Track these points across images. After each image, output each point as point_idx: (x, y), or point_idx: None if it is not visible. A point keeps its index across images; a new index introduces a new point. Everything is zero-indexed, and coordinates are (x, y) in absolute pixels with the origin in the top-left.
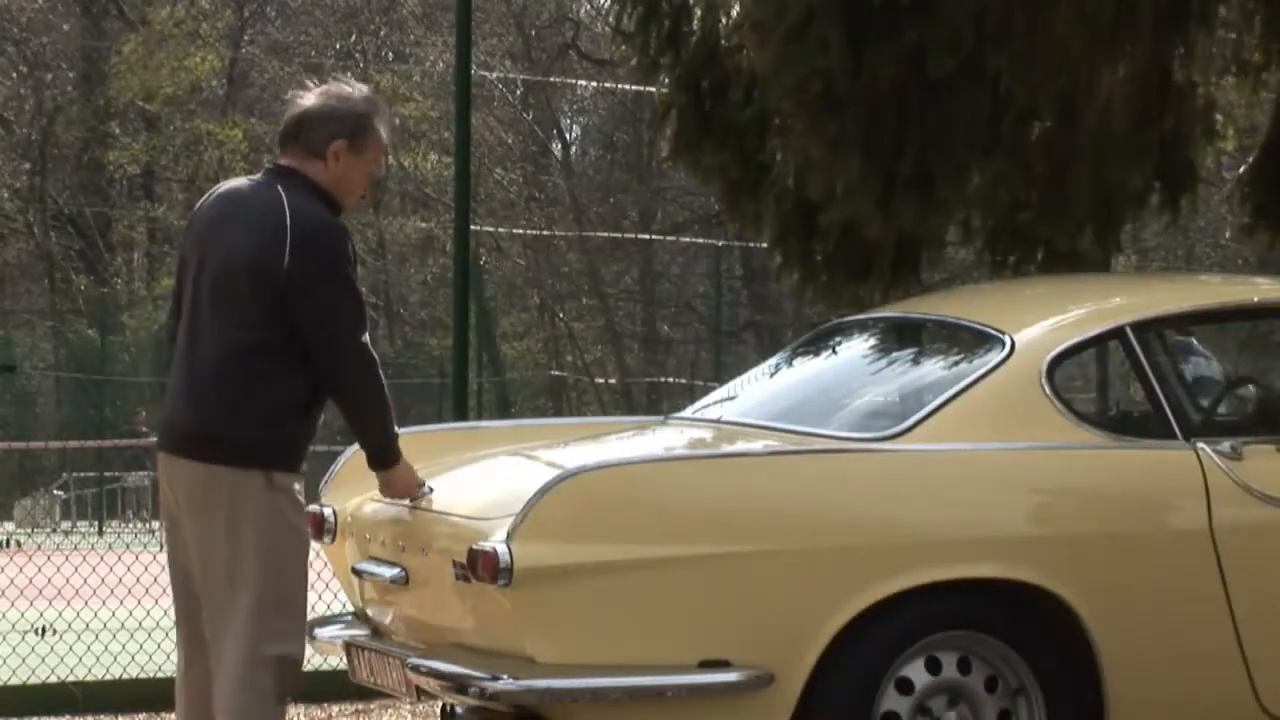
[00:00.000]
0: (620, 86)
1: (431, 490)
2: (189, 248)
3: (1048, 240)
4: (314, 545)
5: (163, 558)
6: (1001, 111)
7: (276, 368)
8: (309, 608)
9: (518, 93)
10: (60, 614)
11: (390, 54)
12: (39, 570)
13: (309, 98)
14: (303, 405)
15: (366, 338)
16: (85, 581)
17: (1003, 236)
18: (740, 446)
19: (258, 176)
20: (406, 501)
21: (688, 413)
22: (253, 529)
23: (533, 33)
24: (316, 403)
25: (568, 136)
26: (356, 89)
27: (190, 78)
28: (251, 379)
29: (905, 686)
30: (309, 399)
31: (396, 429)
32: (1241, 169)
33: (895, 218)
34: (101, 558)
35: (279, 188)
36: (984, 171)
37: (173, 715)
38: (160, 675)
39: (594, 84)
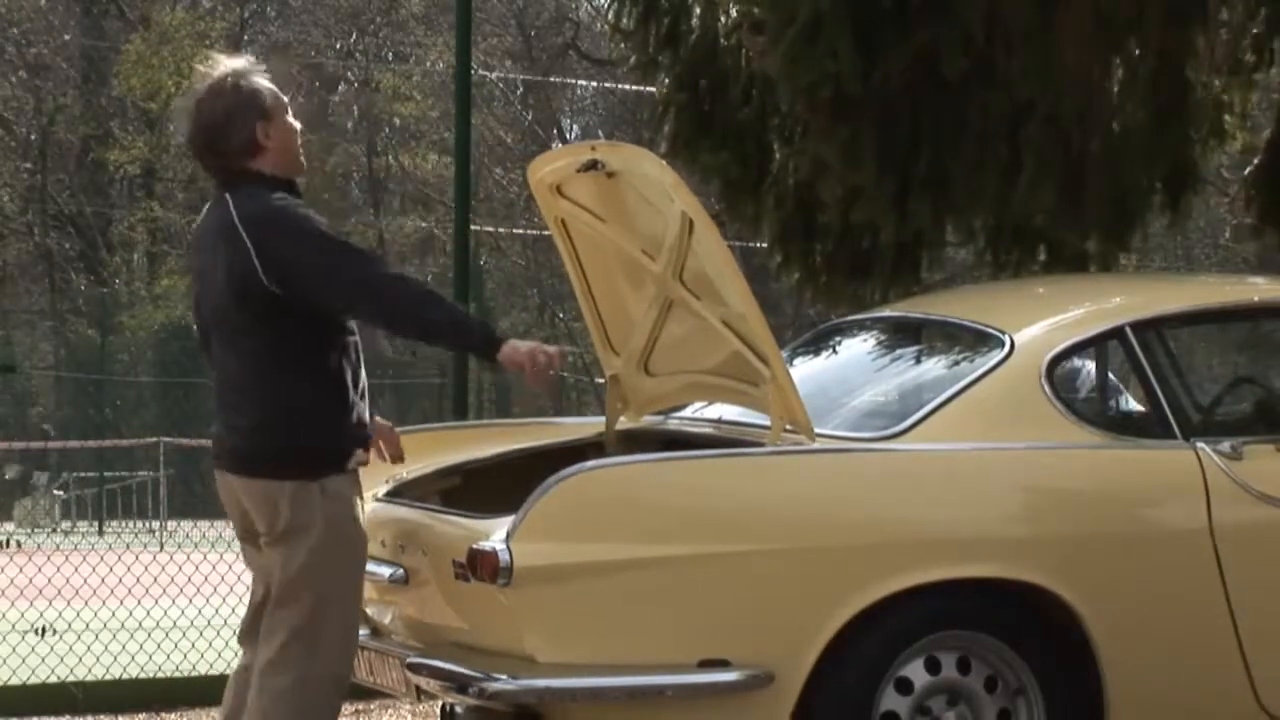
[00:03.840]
0: (620, 86)
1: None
2: (193, 269)
3: (1062, 242)
4: None
5: (162, 557)
6: (1016, 112)
7: (291, 372)
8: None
9: (518, 93)
10: (60, 614)
11: (391, 54)
12: (39, 570)
13: (193, 108)
14: (328, 403)
15: (362, 265)
16: (85, 581)
17: (1005, 236)
18: (740, 446)
19: (214, 198)
20: (549, 374)
21: (688, 412)
22: (304, 540)
23: (533, 33)
24: (341, 395)
25: (568, 136)
26: (220, 72)
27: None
28: (270, 389)
29: (905, 686)
30: (333, 394)
31: (462, 316)
32: (1246, 170)
33: (911, 220)
34: (101, 558)
35: (226, 199)
36: (998, 173)
37: (173, 715)
38: (160, 675)
39: (594, 84)
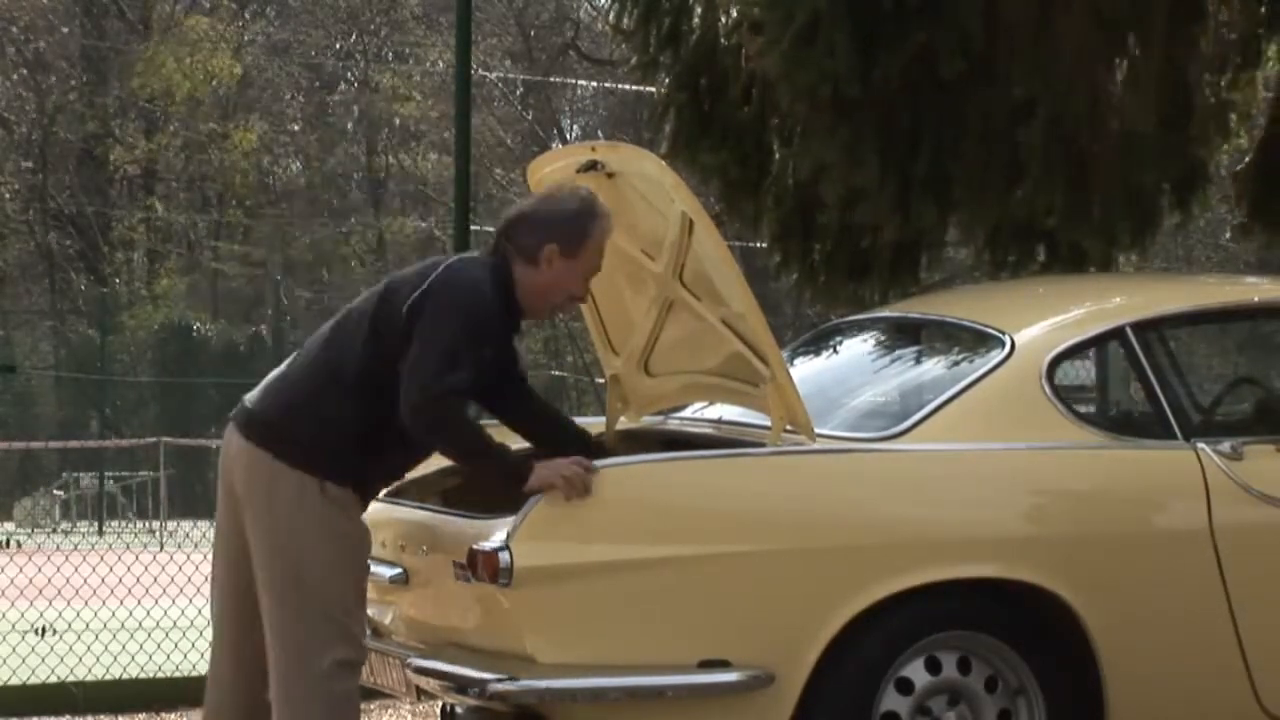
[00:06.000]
0: (620, 86)
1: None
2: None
3: (1063, 242)
4: None
5: (162, 557)
6: (1016, 112)
7: (353, 397)
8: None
9: (518, 93)
10: (60, 614)
11: (390, 54)
12: (39, 570)
13: (528, 201)
14: (368, 436)
15: (446, 395)
16: (85, 581)
17: (1005, 236)
18: (740, 447)
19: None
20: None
21: (688, 412)
22: (301, 533)
23: (533, 33)
24: (384, 440)
25: (568, 136)
26: (573, 191)
27: (212, 82)
28: (330, 391)
29: (905, 686)
30: (375, 433)
31: (494, 450)
32: (1238, 167)
33: (914, 220)
34: (101, 558)
35: (470, 255)
36: (1000, 173)
37: (173, 715)
38: (160, 675)
39: (594, 84)
